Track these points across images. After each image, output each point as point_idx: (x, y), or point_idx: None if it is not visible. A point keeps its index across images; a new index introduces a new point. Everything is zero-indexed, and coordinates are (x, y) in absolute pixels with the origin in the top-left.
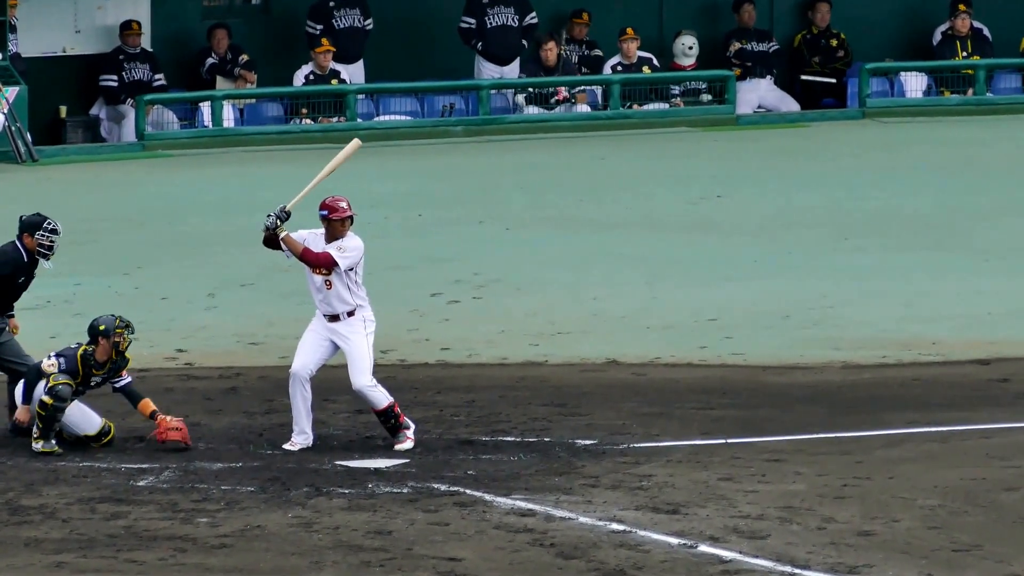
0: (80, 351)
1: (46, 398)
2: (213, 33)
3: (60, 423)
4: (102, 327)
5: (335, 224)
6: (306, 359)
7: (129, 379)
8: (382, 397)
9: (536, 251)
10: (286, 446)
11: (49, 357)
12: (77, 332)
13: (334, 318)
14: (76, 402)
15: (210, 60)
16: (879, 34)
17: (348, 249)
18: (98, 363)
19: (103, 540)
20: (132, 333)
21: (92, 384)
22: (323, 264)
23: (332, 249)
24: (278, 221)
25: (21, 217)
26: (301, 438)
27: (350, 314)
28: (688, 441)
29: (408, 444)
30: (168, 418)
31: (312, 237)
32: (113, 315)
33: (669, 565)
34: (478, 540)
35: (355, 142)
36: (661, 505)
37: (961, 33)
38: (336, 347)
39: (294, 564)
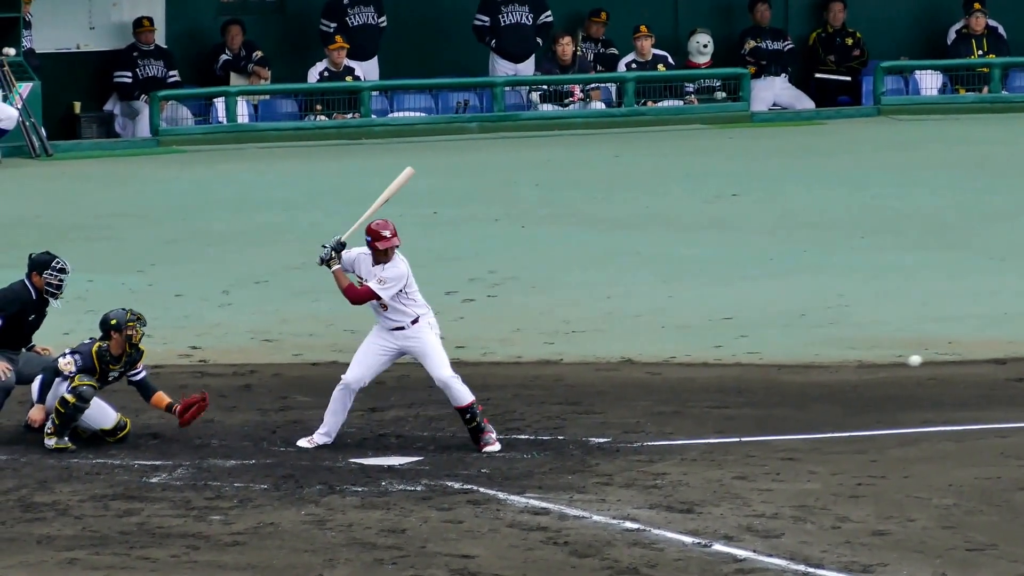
0: (95, 347)
1: (69, 396)
2: (227, 29)
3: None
4: (114, 321)
5: (378, 251)
6: (364, 372)
7: (144, 372)
8: (466, 392)
9: (551, 249)
10: (302, 442)
11: (64, 355)
12: (91, 329)
13: (399, 328)
14: (95, 399)
15: (224, 56)
16: (894, 32)
17: (388, 280)
18: (114, 357)
19: (116, 537)
20: (144, 326)
21: (110, 379)
22: (365, 300)
23: (372, 283)
24: (332, 252)
25: (31, 255)
26: (322, 439)
27: (414, 322)
28: (702, 440)
29: (496, 447)
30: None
31: (363, 257)
32: (124, 309)
33: (683, 564)
34: (491, 538)
35: (408, 171)
36: (675, 504)
37: (976, 32)
38: (398, 355)
39: (307, 561)
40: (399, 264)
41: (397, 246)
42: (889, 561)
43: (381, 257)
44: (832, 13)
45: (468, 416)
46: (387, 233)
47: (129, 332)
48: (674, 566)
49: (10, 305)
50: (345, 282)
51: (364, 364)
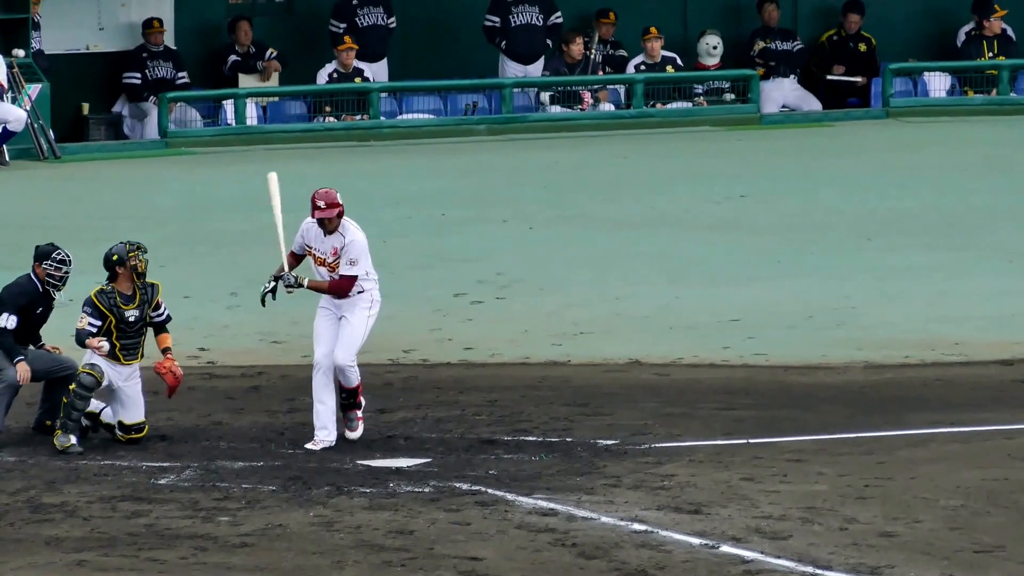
0: (92, 293)
1: (72, 385)
2: (236, 26)
3: (100, 409)
4: (115, 256)
5: (323, 221)
6: (327, 346)
7: (167, 312)
8: (356, 377)
9: (559, 251)
10: (309, 445)
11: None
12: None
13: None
14: (136, 386)
15: (233, 57)
16: (903, 34)
17: (356, 258)
18: (125, 296)
19: (124, 539)
20: (145, 254)
21: (131, 321)
22: (350, 287)
23: (345, 269)
24: (292, 279)
25: (37, 246)
26: (323, 434)
27: (360, 292)
28: (710, 441)
29: (357, 433)
30: (171, 364)
31: (305, 232)
32: (122, 242)
33: (691, 565)
34: (499, 540)
35: (271, 175)
36: (683, 505)
37: (991, 34)
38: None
39: (315, 563)
40: (355, 233)
41: (340, 211)
42: (896, 563)
43: (329, 226)
44: (848, 21)
45: (346, 395)
46: (322, 204)
47: (133, 262)
48: (682, 568)
49: (18, 299)
50: (324, 285)
51: (325, 340)
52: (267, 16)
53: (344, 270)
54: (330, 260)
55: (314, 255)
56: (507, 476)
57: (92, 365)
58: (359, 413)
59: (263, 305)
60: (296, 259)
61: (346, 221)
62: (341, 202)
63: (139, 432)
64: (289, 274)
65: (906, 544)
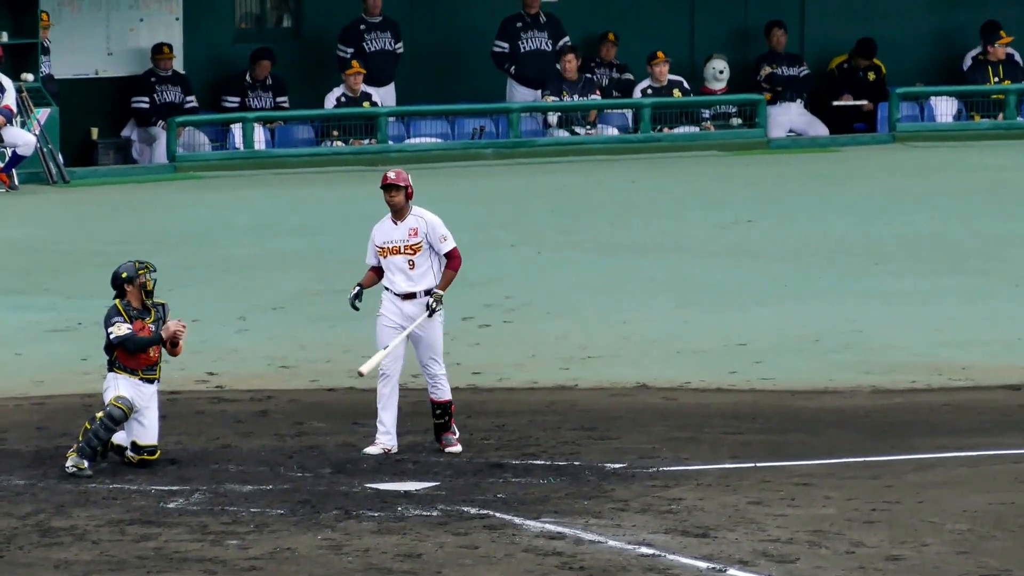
0: (116, 303)
1: (99, 413)
2: (258, 62)
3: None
4: (125, 274)
5: (384, 194)
6: (393, 354)
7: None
8: (448, 387)
9: (567, 275)
10: (368, 449)
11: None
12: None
13: (410, 296)
14: (154, 409)
15: (246, 84)
16: (909, 59)
17: (446, 232)
18: (138, 311)
19: (133, 562)
20: (154, 272)
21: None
22: (460, 260)
23: (442, 245)
24: (434, 302)
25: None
26: (386, 439)
27: (427, 292)
28: (718, 465)
29: (458, 448)
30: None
31: (373, 239)
32: (130, 260)
33: None
34: (507, 563)
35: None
36: (690, 529)
37: (997, 59)
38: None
39: None
40: (429, 213)
41: (408, 189)
42: None
43: (398, 203)
44: (862, 55)
45: (439, 412)
46: (392, 175)
47: (142, 280)
48: None
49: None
50: (449, 275)
51: (385, 344)
52: (274, 41)
53: (445, 247)
54: (410, 242)
55: (387, 248)
56: (515, 500)
57: (122, 398)
58: (455, 437)
59: (355, 309)
60: (377, 272)
61: (414, 206)
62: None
63: (151, 455)
64: (432, 300)
65: (913, 568)
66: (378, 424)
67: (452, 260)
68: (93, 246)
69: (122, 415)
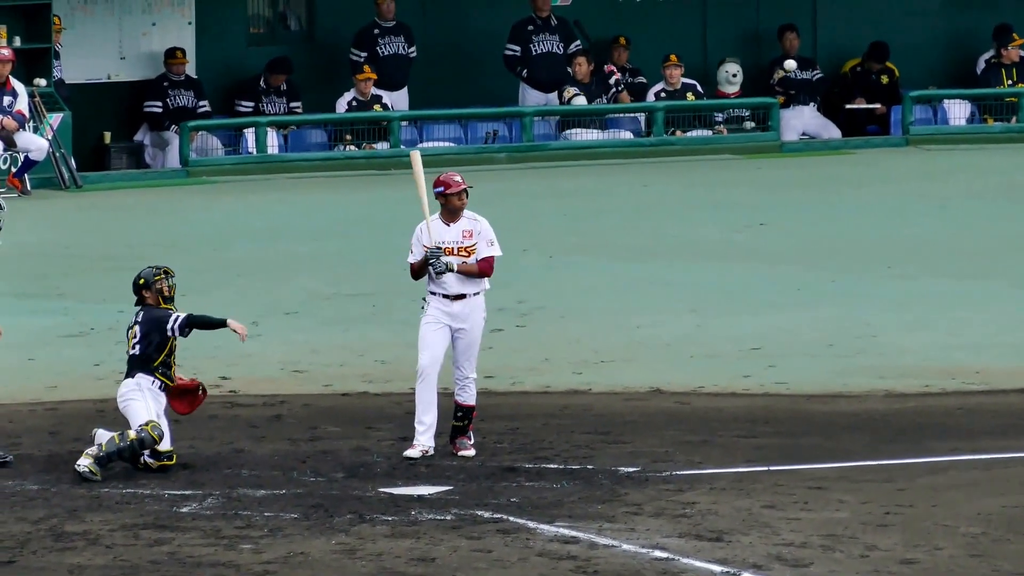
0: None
1: (132, 434)
2: (273, 73)
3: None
4: (142, 280)
5: (452, 198)
6: (434, 354)
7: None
8: (475, 391)
9: (580, 279)
10: (408, 452)
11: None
12: (122, 359)
13: (460, 297)
14: (165, 418)
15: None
16: (922, 62)
17: (494, 238)
18: None
19: (146, 567)
20: (172, 278)
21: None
22: (492, 268)
23: (486, 248)
24: (443, 266)
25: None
26: (425, 438)
27: (476, 294)
28: (731, 469)
29: (471, 452)
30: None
31: (419, 236)
32: (149, 266)
33: None
34: (521, 567)
35: (414, 154)
36: (704, 532)
37: (1010, 62)
38: (451, 330)
39: None
40: (482, 219)
41: (467, 190)
42: None
43: (455, 204)
44: (875, 57)
45: (461, 415)
46: (458, 178)
47: (159, 286)
48: None
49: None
50: (474, 267)
51: (431, 346)
52: (287, 44)
53: (488, 251)
54: (465, 244)
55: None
56: (528, 504)
57: (156, 427)
58: (470, 442)
59: (437, 274)
60: (423, 268)
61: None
62: None
63: (170, 460)
64: (439, 259)
65: (926, 571)
66: (416, 424)
67: (484, 261)
68: (106, 251)
69: (152, 443)
